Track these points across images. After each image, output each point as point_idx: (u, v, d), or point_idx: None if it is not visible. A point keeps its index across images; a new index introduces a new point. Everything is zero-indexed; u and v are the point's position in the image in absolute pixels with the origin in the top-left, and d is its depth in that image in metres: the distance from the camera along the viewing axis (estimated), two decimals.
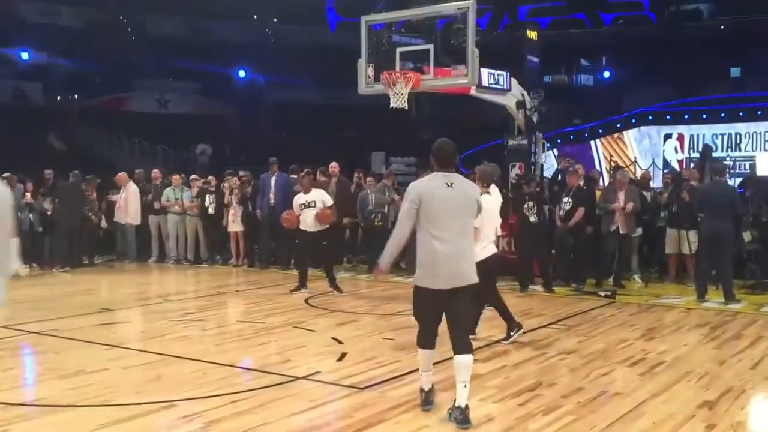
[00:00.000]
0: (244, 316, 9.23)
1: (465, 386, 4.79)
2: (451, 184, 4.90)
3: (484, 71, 10.76)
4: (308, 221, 10.11)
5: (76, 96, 27.39)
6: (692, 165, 14.73)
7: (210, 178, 14.31)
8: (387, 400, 5.35)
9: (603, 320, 8.59)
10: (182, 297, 10.90)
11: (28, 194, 13.41)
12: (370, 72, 10.51)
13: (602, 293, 10.19)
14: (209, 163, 22.21)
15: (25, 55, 25.15)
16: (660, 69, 23.23)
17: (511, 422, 4.88)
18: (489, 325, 8.14)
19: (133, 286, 11.75)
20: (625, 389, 5.69)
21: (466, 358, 4.85)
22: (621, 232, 10.65)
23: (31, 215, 13.46)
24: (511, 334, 7.27)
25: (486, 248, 7.05)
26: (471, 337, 5.34)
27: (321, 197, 10.27)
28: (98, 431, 4.61)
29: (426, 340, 5.03)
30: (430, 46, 10.06)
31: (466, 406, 4.76)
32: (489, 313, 8.81)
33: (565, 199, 10.80)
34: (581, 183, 10.97)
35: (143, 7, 28.34)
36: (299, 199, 10.35)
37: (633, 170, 16.11)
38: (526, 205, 10.44)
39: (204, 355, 6.70)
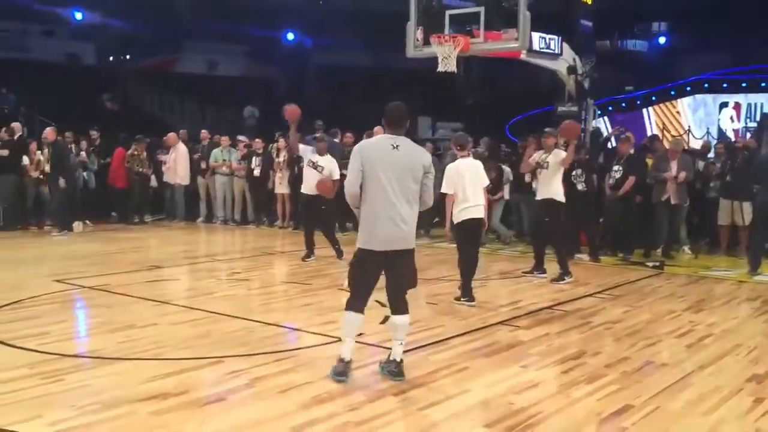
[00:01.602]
0: (288, 276, 9.35)
1: (401, 344, 4.98)
2: (397, 146, 4.84)
3: (535, 35, 10.58)
4: (309, 182, 9.73)
5: (127, 57, 27.69)
6: (749, 135, 14.29)
7: (257, 140, 14.41)
8: (429, 363, 5.37)
9: (650, 291, 8.47)
10: (229, 257, 11.07)
11: (83, 153, 13.72)
12: (419, 35, 10.43)
13: (650, 264, 10.04)
14: (256, 126, 22.34)
15: (78, 15, 25.43)
16: (717, 35, 22.37)
17: (554, 389, 4.87)
18: (531, 294, 8.15)
19: (181, 244, 11.99)
20: (671, 360, 5.62)
21: (402, 318, 5.01)
22: (672, 202, 10.42)
23: (85, 173, 13.79)
24: (462, 299, 7.43)
25: (463, 211, 7.28)
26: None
27: (331, 167, 9.87)
28: (148, 383, 4.74)
29: (356, 303, 4.97)
30: (481, 9, 9.90)
31: (401, 360, 4.94)
32: (535, 280, 8.87)
33: (615, 167, 10.58)
34: (632, 151, 10.72)
35: None
36: (311, 155, 9.96)
37: (686, 139, 15.70)
38: (574, 173, 10.27)
39: (250, 314, 6.81)
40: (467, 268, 7.50)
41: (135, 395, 4.51)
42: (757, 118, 16.99)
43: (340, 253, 10.09)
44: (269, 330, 6.31)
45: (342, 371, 4.88)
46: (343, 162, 10.06)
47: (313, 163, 9.90)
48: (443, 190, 7.32)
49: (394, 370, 4.94)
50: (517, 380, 5.02)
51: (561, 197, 8.65)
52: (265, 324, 6.46)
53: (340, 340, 5.56)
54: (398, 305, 5.01)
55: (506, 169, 11.88)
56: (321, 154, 10.02)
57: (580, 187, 10.28)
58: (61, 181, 12.27)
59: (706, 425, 4.30)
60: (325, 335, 6.05)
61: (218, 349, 5.61)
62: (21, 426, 3.98)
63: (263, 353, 5.51)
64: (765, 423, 4.36)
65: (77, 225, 12.97)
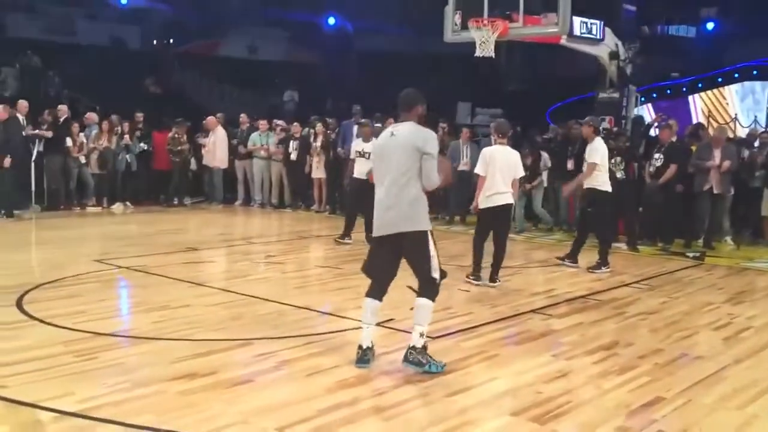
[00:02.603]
0: (322, 261, 9.39)
1: (415, 329, 4.81)
2: (393, 134, 4.86)
3: (576, 20, 10.38)
4: (359, 168, 9.93)
5: (171, 41, 28.01)
6: None
7: (294, 124, 14.46)
8: (459, 350, 5.36)
9: (689, 282, 8.30)
10: (265, 240, 11.17)
11: (126, 136, 13.95)
12: (458, 19, 10.32)
13: (690, 254, 9.83)
14: (295, 110, 22.43)
15: (123, 0, 25.83)
16: (766, 22, 21.70)
17: (583, 379, 4.80)
18: (566, 283, 8.04)
19: (218, 227, 12.12)
20: (707, 353, 5.50)
21: (419, 301, 4.89)
22: (715, 191, 10.17)
23: (128, 156, 14.02)
24: (470, 278, 7.70)
25: (489, 198, 7.49)
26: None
27: None
28: (177, 363, 4.81)
29: (371, 289, 5.01)
30: None
31: (413, 345, 4.78)
32: (569, 269, 8.74)
33: (656, 155, 10.36)
34: (674, 139, 10.48)
35: None
36: (357, 145, 10.27)
37: (733, 127, 15.27)
38: (613, 161, 10.08)
39: (283, 297, 6.85)
40: (475, 251, 7.79)
41: (165, 375, 4.58)
42: None
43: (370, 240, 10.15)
44: (301, 313, 6.35)
45: (359, 358, 4.87)
46: None
47: (361, 152, 10.04)
48: (476, 170, 7.75)
49: (406, 353, 4.80)
50: (547, 369, 4.96)
51: (605, 186, 8.50)
52: (297, 308, 6.50)
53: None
54: (419, 287, 4.95)
55: (544, 155, 11.73)
56: (367, 139, 10.07)
57: (619, 175, 10.08)
58: (7, 161, 11.81)
59: (738, 420, 4.20)
60: (355, 320, 6.05)
61: (249, 331, 5.67)
62: (53, 402, 4.08)
63: (293, 336, 5.55)
64: None
65: (117, 206, 13.23)
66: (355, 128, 13.05)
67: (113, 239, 10.24)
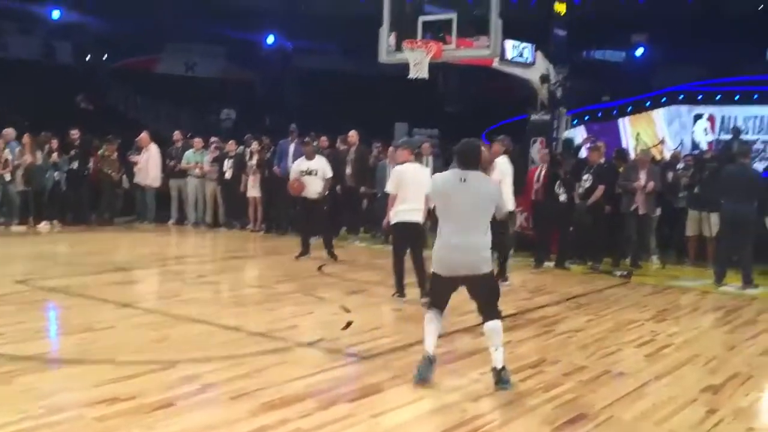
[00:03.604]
0: (256, 280, 9.30)
1: (496, 349, 5.04)
2: (464, 180, 5.05)
3: (509, 43, 10.61)
4: (309, 188, 10.11)
5: (105, 56, 27.47)
6: (721, 146, 14.44)
7: (230, 142, 14.32)
8: (389, 370, 5.34)
9: (615, 300, 8.50)
10: (198, 259, 10.99)
11: (55, 153, 13.54)
12: (392, 40, 10.39)
13: (618, 273, 10.08)
14: (233, 128, 22.25)
15: (56, 14, 25.21)
16: (693, 48, 22.64)
17: (510, 397, 4.84)
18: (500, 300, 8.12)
19: (150, 246, 11.87)
20: (629, 369, 5.62)
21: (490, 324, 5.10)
22: (641, 212, 10.49)
23: (56, 174, 13.60)
24: (395, 296, 7.77)
25: (399, 214, 7.61)
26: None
27: (323, 167, 10.25)
28: (98, 387, 4.65)
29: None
30: (453, 15, 9.90)
31: (502, 367, 4.98)
32: (506, 288, 8.84)
33: (585, 176, 10.61)
34: (602, 160, 10.78)
35: None
36: (300, 165, 10.34)
37: (660, 150, 15.80)
38: (558, 182, 10.33)
39: (212, 318, 6.73)
40: (396, 268, 7.85)
41: (83, 399, 4.43)
42: (731, 131, 17.15)
43: (334, 257, 10.29)
44: (229, 334, 6.24)
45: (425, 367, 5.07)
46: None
47: (306, 171, 10.17)
48: (387, 189, 7.88)
49: (495, 378, 4.99)
50: (474, 388, 5.00)
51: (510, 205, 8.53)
52: (226, 328, 6.39)
53: (299, 345, 5.58)
54: (490, 312, 5.14)
55: None
56: (310, 158, 10.21)
57: (562, 198, 10.33)
58: None
59: None
60: (285, 340, 6.01)
61: (175, 353, 5.54)
62: None
63: (220, 358, 5.44)
64: None
65: (44, 225, 12.84)
66: (292, 147, 13.04)
67: (38, 259, 9.92)
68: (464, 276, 5.07)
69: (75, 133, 14.14)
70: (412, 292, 7.98)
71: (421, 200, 7.55)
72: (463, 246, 5.02)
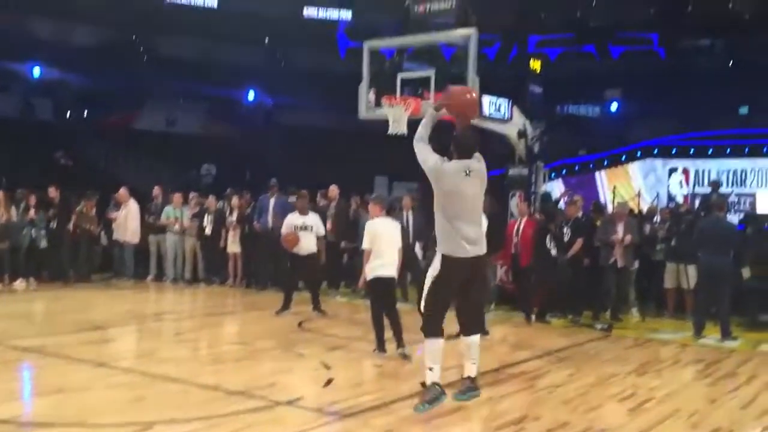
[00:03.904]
0: (235, 337, 9.18)
1: (473, 363, 5.56)
2: (469, 172, 5.51)
3: (486, 99, 10.79)
4: (303, 244, 10.04)
5: (85, 113, 27.58)
6: (697, 200, 14.69)
7: (210, 198, 14.29)
8: (369, 428, 5.28)
9: (596, 353, 8.49)
10: (176, 316, 10.85)
11: (32, 210, 13.42)
12: (372, 97, 10.56)
13: (598, 326, 10.09)
14: (213, 183, 22.29)
15: (36, 71, 25.35)
16: (667, 103, 23.30)
17: None
18: (480, 355, 8.08)
19: (128, 303, 11.69)
20: (612, 425, 5.59)
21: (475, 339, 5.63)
22: (619, 265, 10.57)
23: (33, 231, 13.44)
24: (375, 351, 7.72)
25: (374, 269, 7.59)
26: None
27: (318, 223, 10.24)
28: None
29: (437, 326, 5.59)
30: (431, 72, 10.10)
31: (475, 376, 5.47)
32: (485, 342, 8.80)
33: (564, 230, 10.72)
34: (579, 214, 10.90)
35: (156, 28, 28.83)
36: (295, 220, 10.23)
37: (637, 203, 16.04)
38: (549, 236, 10.39)
39: (190, 376, 6.62)
40: (375, 324, 7.81)
41: None
42: (705, 184, 17.53)
43: (322, 311, 10.28)
44: (207, 393, 6.13)
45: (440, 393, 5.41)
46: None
47: (302, 226, 10.10)
48: (363, 246, 7.83)
49: (470, 386, 5.43)
50: None
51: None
52: (204, 387, 6.28)
53: (278, 403, 5.48)
54: (474, 326, 5.66)
55: None
56: (304, 213, 10.23)
57: (554, 252, 10.40)
58: None
59: None
60: (264, 398, 5.92)
61: (151, 414, 5.43)
62: None
63: (198, 418, 5.34)
64: None
65: (19, 283, 12.65)
66: (272, 201, 13.05)
67: (12, 318, 9.72)
68: (474, 257, 5.46)
69: (53, 192, 13.90)
70: (392, 347, 7.96)
71: (394, 255, 7.65)
72: (474, 237, 5.47)
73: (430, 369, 5.50)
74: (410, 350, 7.53)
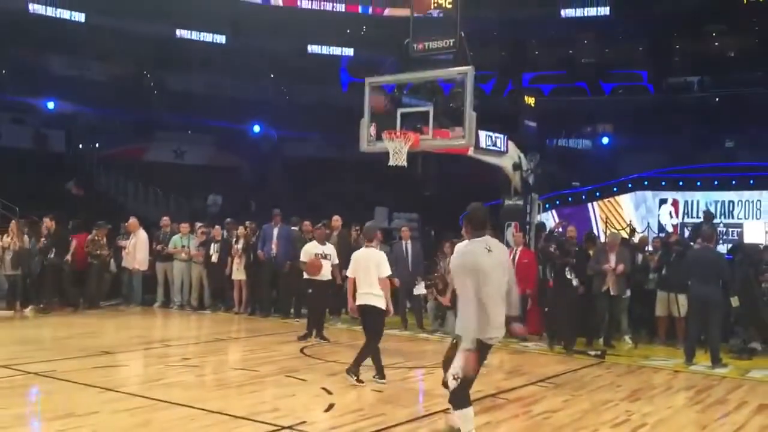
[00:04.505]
0: (239, 363, 9.40)
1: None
2: (490, 249, 5.31)
3: (482, 133, 11.13)
4: (323, 271, 10.47)
5: (96, 144, 28.06)
6: (686, 230, 14.96)
7: (216, 227, 14.65)
8: None
9: (590, 380, 8.66)
10: (182, 342, 11.10)
11: (43, 239, 13.76)
12: (372, 131, 10.93)
13: (592, 353, 10.30)
14: (219, 213, 22.63)
15: (50, 105, 25.91)
16: (656, 137, 23.90)
17: None
18: (476, 382, 8.29)
19: (135, 329, 11.95)
20: None
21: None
22: (612, 293, 10.83)
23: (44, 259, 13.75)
24: (375, 378, 7.92)
25: (358, 298, 7.95)
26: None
27: (333, 252, 10.80)
28: None
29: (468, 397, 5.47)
30: (430, 108, 10.47)
31: None
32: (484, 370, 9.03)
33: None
34: None
35: (166, 63, 29.58)
36: (315, 248, 10.63)
37: (628, 233, 16.32)
38: (567, 268, 10.56)
39: (195, 401, 6.83)
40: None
41: None
42: (695, 215, 17.92)
43: (325, 339, 10.64)
44: (212, 418, 6.32)
45: None
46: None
47: (322, 254, 10.53)
48: (347, 273, 8.28)
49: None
50: None
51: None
52: (209, 412, 6.48)
53: (281, 428, 5.69)
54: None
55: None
56: (322, 242, 10.73)
57: (575, 283, 10.58)
58: None
59: None
60: (266, 423, 6.11)
61: None
62: None
63: None
64: None
65: (29, 310, 12.96)
66: (275, 230, 13.39)
67: (23, 343, 10.00)
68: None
69: (48, 222, 13.91)
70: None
71: (372, 284, 7.89)
72: (501, 315, 5.29)
73: None
74: (360, 376, 7.79)
